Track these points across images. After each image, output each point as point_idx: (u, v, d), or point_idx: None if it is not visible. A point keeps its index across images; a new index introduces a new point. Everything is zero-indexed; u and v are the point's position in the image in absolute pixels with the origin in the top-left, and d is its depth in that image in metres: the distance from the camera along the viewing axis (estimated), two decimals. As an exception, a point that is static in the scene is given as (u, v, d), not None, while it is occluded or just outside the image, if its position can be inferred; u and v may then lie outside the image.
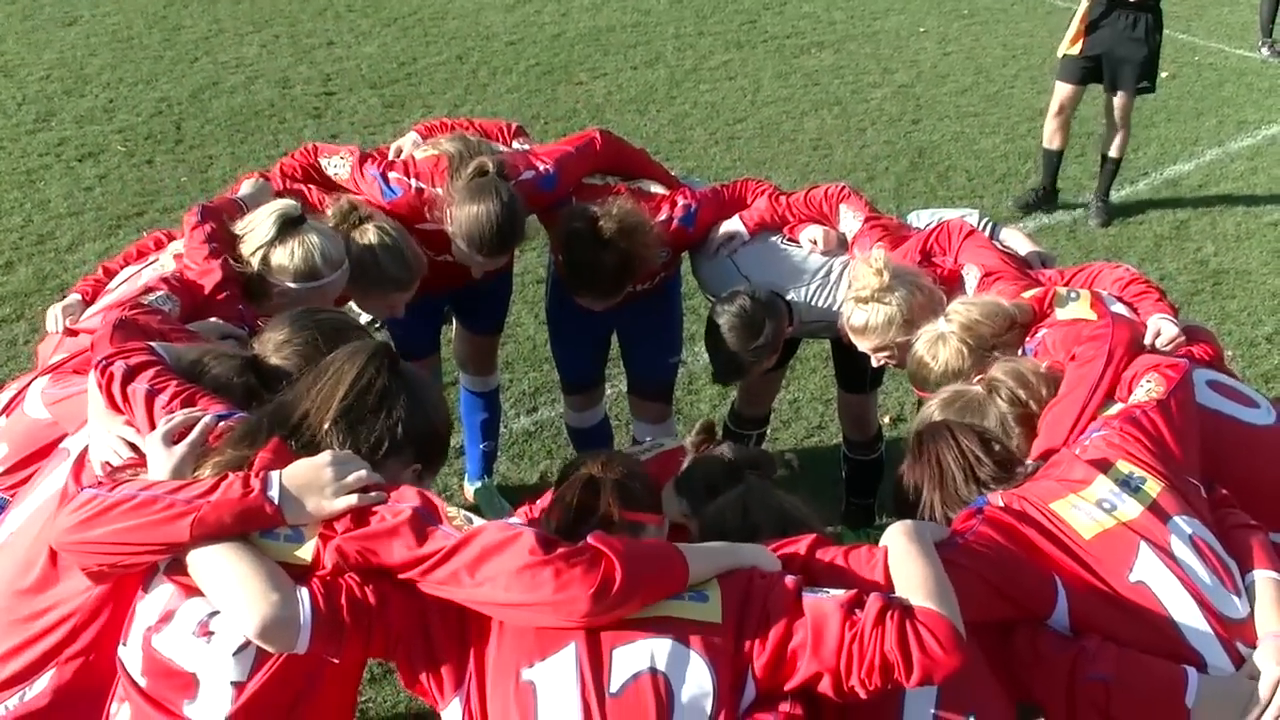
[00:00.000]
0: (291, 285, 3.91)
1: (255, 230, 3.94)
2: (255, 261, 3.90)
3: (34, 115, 9.43)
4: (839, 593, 2.65)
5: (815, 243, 4.62)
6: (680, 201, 4.71)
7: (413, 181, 4.53)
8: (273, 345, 3.24)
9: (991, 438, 3.24)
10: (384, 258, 4.18)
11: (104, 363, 3.07)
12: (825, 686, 2.60)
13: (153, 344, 3.18)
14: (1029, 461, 3.27)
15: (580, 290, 4.63)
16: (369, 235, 4.19)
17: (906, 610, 2.58)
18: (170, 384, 3.02)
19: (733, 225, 4.71)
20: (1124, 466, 3.09)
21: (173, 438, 2.79)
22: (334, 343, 3.09)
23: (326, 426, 2.76)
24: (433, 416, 2.93)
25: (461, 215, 4.41)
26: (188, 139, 9.19)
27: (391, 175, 4.54)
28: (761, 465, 3.45)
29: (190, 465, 2.74)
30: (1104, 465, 3.09)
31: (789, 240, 4.70)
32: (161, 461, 2.75)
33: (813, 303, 4.61)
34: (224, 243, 3.96)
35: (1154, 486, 3.05)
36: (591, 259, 4.44)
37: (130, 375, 3.04)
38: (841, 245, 4.65)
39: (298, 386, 2.86)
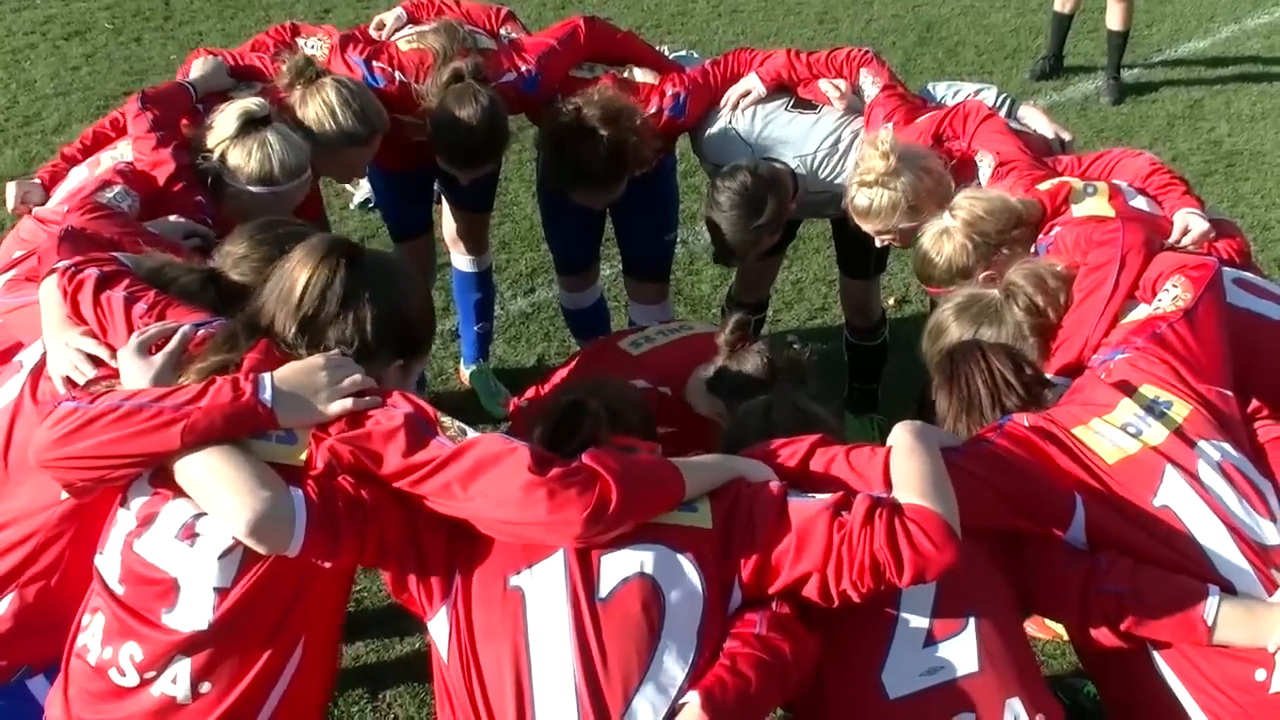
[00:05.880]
0: (246, 188, 3.79)
1: (219, 126, 3.83)
2: (214, 158, 3.79)
3: (18, -9, 9.20)
4: (826, 496, 2.60)
5: (839, 89, 4.46)
6: (669, 91, 4.56)
7: (397, 74, 4.43)
8: (231, 260, 3.11)
9: (1024, 361, 3.14)
10: (342, 113, 4.07)
11: (72, 269, 2.93)
12: (811, 590, 2.56)
13: (116, 255, 3.06)
14: (1055, 380, 3.18)
15: (575, 187, 4.49)
16: (325, 90, 4.09)
17: (895, 508, 2.53)
18: (148, 292, 2.90)
19: (748, 83, 4.55)
20: (1149, 390, 2.98)
21: (149, 348, 2.69)
22: None
23: (292, 336, 2.66)
24: (404, 307, 2.76)
25: (437, 129, 4.32)
26: (177, 15, 8.97)
27: (376, 64, 4.44)
28: (795, 371, 3.39)
29: (170, 375, 2.64)
30: (1128, 388, 2.98)
31: (796, 106, 4.55)
32: (139, 373, 2.64)
33: (819, 173, 4.46)
34: (171, 128, 3.86)
35: (1181, 409, 2.94)
36: (580, 152, 4.30)
37: (104, 283, 2.91)
38: (855, 109, 4.50)
39: (262, 294, 2.74)
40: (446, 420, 2.58)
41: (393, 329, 2.71)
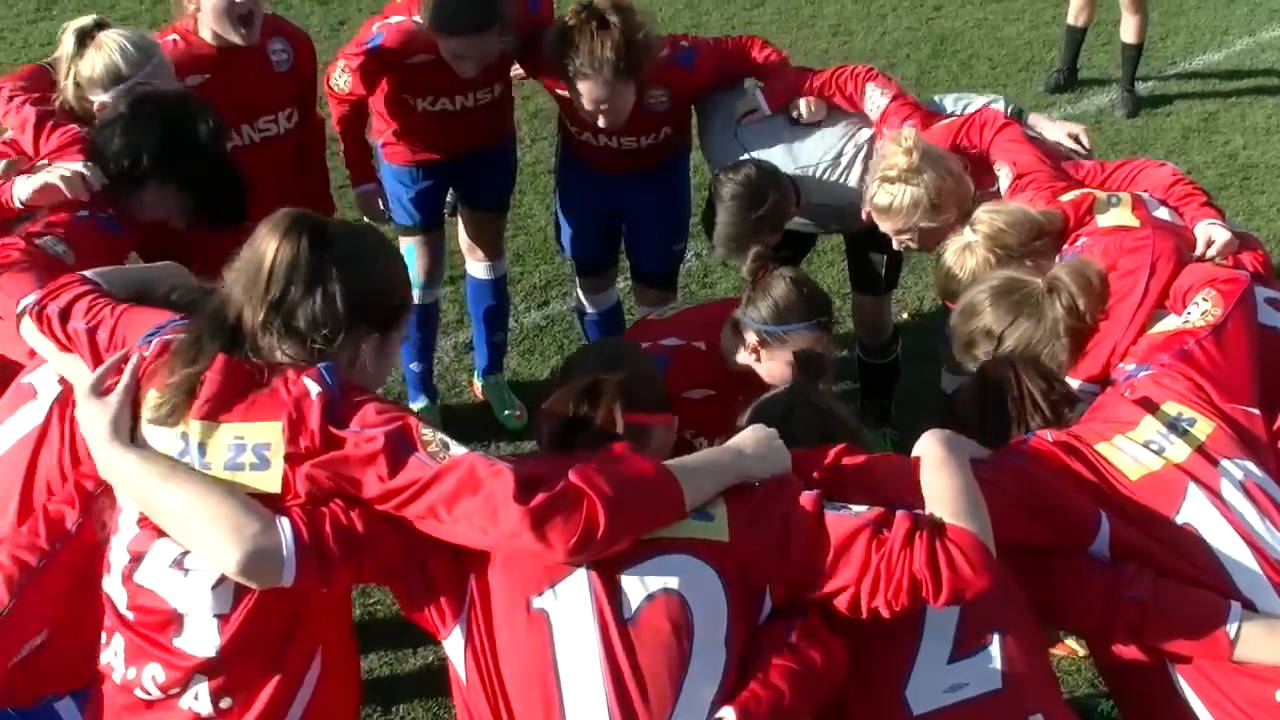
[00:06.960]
0: (106, 97, 3.76)
1: (60, 54, 3.83)
2: (70, 88, 3.79)
3: (34, 4, 9.24)
4: (863, 509, 2.56)
5: (810, 108, 4.51)
6: (680, 43, 4.66)
7: (392, 19, 4.56)
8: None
9: (1055, 380, 3.14)
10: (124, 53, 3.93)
11: (37, 309, 2.91)
12: (842, 602, 2.53)
13: (84, 274, 3.01)
14: (1080, 392, 3.18)
15: (584, 71, 4.40)
16: (109, 36, 3.99)
17: (936, 529, 2.49)
18: (103, 313, 2.84)
19: (754, 103, 4.59)
20: (1172, 407, 2.97)
21: (102, 389, 2.62)
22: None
23: (261, 320, 2.51)
24: (374, 277, 2.60)
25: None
26: (192, 27, 8.97)
27: (374, 27, 4.59)
28: (819, 364, 3.41)
29: (127, 416, 2.56)
30: (1151, 406, 2.98)
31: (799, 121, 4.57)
32: (97, 417, 2.57)
33: (821, 184, 4.47)
34: (28, 92, 3.84)
35: (1204, 427, 2.93)
36: (589, 42, 4.34)
37: (65, 316, 2.87)
38: (851, 119, 4.54)
39: (227, 280, 2.60)
40: (427, 432, 2.46)
41: (365, 301, 2.55)
